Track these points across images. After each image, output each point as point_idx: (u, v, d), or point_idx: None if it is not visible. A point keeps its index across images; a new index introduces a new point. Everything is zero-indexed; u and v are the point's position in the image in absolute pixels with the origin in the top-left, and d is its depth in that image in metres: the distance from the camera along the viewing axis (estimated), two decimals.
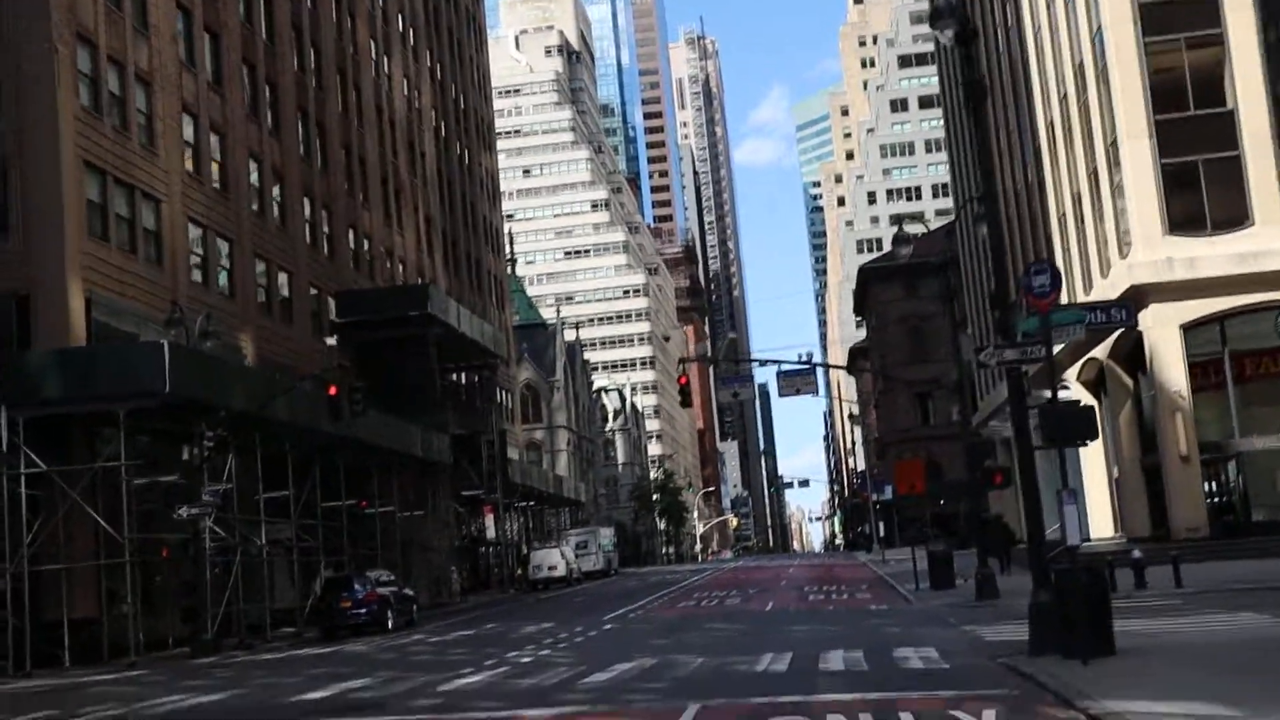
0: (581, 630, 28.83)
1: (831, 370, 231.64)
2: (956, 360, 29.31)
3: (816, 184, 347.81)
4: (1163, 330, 38.37)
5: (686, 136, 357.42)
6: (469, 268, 77.73)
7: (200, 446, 32.85)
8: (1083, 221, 45.19)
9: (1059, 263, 49.71)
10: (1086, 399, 49.04)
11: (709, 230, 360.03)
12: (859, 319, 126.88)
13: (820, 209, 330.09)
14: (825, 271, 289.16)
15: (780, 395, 31.75)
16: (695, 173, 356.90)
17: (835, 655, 18.43)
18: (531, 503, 78.66)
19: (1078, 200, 45.67)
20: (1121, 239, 40.94)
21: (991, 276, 24.17)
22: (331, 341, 45.35)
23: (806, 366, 32.23)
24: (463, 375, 69.49)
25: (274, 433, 37.56)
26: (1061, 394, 51.78)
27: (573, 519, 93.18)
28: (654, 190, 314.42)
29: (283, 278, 49.10)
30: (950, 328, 29.98)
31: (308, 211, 52.19)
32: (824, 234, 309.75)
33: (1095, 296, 43.15)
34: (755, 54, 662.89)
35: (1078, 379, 49.09)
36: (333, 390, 31.76)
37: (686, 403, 32.87)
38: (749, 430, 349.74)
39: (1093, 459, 46.58)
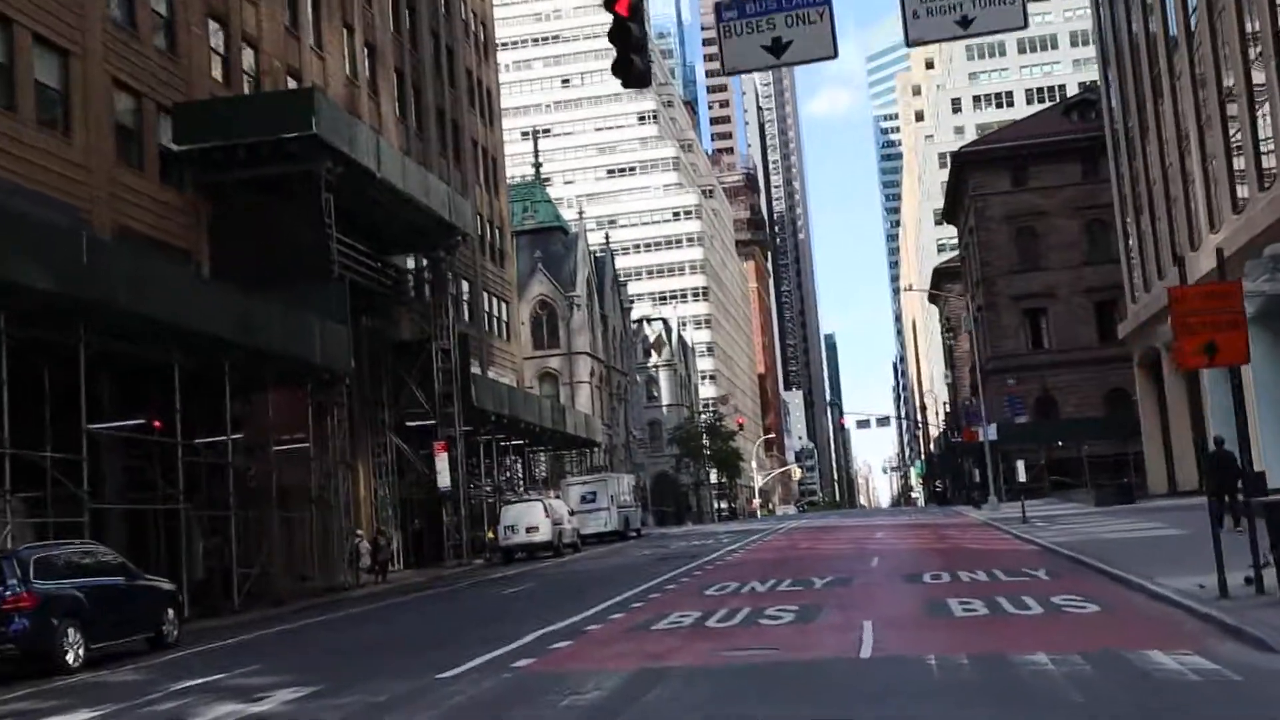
0: None
1: (904, 308, 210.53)
2: None
3: (890, 117, 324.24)
4: None
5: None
6: (441, 130, 58.00)
7: None
8: None
9: None
10: None
11: (773, 170, 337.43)
12: (943, 221, 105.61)
13: (894, 154, 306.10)
14: (899, 209, 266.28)
15: None
16: (759, 108, 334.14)
17: None
18: (526, 442, 59.07)
19: None
20: None
21: None
22: None
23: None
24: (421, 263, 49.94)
25: None
26: None
27: (593, 465, 73.62)
28: (713, 123, 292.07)
29: (50, 59, 29.82)
30: None
31: None
32: (897, 182, 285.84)
33: None
34: None
35: None
36: None
37: (631, 78, 12.89)
38: (814, 379, 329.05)
39: None
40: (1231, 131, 39.01)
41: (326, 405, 35.50)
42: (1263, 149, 36.35)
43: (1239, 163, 38.86)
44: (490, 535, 47.51)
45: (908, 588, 19.81)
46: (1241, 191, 38.55)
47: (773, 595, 19.70)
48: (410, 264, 49.94)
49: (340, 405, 35.98)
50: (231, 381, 29.53)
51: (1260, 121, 36.36)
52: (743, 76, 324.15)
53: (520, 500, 47.90)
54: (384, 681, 12.98)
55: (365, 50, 49.69)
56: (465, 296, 57.80)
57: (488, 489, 52.91)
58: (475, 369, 53.18)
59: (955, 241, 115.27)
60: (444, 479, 44.56)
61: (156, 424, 27.55)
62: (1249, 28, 36.18)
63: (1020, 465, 38.56)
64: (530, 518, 44.29)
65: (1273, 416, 37.21)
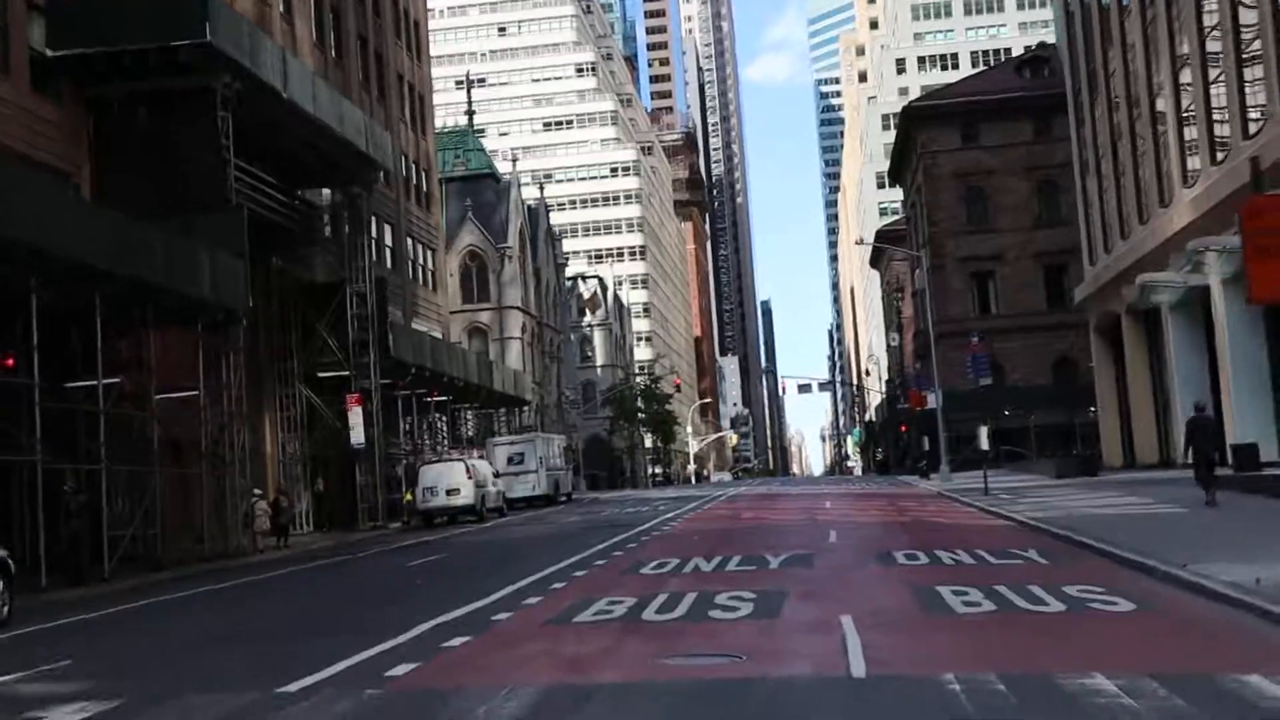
0: None
1: (842, 275, 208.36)
2: None
3: (831, 81, 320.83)
4: None
5: (690, 32, 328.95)
6: (364, 61, 53.97)
7: None
8: None
9: None
10: None
11: (712, 133, 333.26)
12: (887, 182, 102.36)
13: (834, 119, 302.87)
14: (838, 175, 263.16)
15: None
16: (699, 68, 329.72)
17: None
18: (450, 398, 55.42)
19: None
20: None
21: None
22: None
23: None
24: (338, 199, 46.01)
25: None
26: None
27: (522, 425, 70.13)
28: (653, 80, 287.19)
29: None
30: None
31: None
32: (836, 148, 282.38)
33: None
34: None
35: None
36: None
37: None
38: (750, 345, 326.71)
39: None
40: (1212, 77, 36.25)
41: (221, 349, 31.77)
42: (1248, 99, 33.63)
43: (1218, 115, 36.13)
44: (408, 497, 44.00)
45: (881, 570, 16.67)
46: (1219, 154, 35.86)
47: (722, 577, 16.49)
48: (327, 202, 46.20)
49: (237, 350, 32.23)
50: (106, 317, 25.78)
51: (1246, 70, 33.65)
52: (683, 35, 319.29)
53: (441, 460, 44.40)
54: (206, 695, 9.60)
55: None
56: (388, 242, 54.05)
57: (406, 447, 49.33)
58: (399, 318, 49.56)
59: (897, 205, 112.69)
60: (357, 435, 41.00)
61: (9, 362, 23.81)
62: None
63: (983, 432, 35.72)
64: (451, 479, 40.83)
65: (1248, 387, 34.64)
